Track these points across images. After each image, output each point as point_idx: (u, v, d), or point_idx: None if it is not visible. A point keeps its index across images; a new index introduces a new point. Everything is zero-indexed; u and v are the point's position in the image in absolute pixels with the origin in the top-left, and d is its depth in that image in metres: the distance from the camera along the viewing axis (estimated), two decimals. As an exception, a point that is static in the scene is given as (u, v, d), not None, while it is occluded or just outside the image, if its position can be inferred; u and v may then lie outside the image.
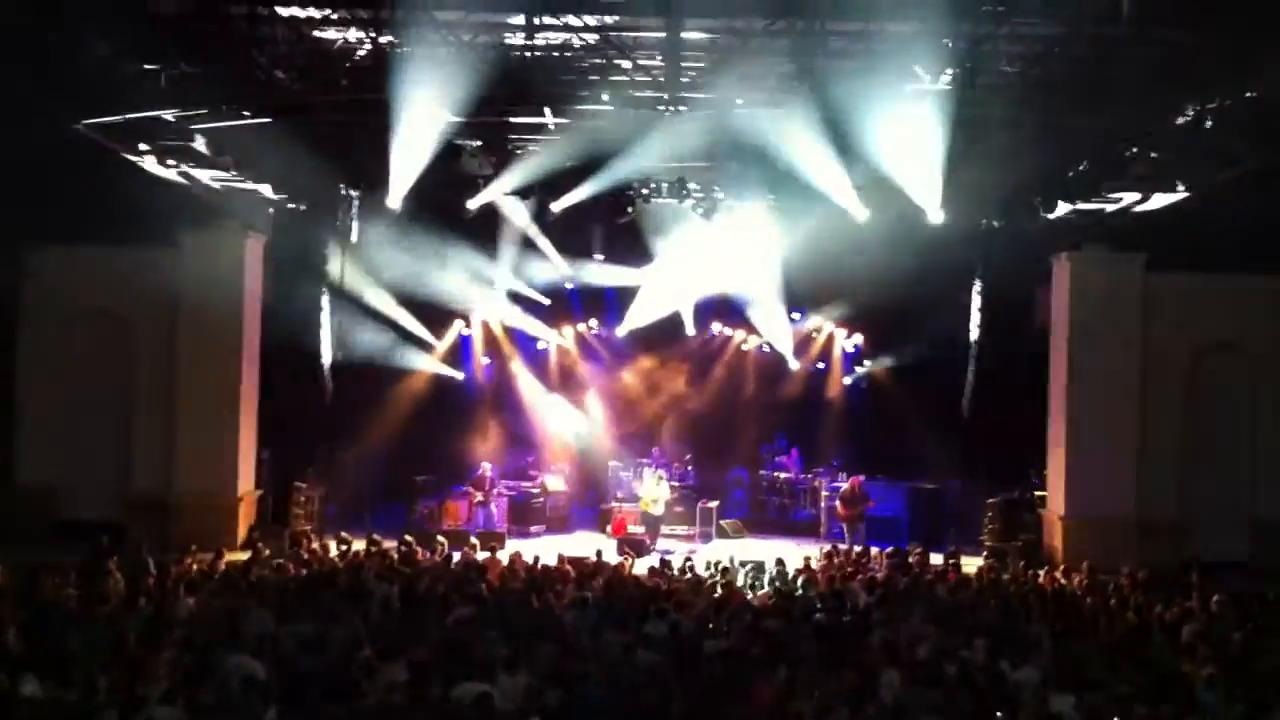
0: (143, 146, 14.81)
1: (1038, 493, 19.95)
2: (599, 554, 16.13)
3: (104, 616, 11.57)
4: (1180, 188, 15.89)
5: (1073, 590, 14.65)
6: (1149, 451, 18.66)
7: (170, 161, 15.22)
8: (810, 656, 10.57)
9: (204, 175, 16.06)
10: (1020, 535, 19.29)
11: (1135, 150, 15.22)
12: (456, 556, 15.84)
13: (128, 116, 14.07)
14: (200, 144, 14.80)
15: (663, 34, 13.44)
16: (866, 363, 23.59)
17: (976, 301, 20.10)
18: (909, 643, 11.06)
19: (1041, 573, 15.86)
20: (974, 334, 20.15)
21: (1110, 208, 16.98)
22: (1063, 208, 16.94)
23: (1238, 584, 13.77)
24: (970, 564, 16.79)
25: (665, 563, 15.83)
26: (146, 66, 13.34)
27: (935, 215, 16.56)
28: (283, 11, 13.15)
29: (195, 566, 14.34)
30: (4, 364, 18.92)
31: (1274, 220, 16.21)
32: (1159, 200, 16.24)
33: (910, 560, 16.22)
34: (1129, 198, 16.48)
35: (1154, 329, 18.77)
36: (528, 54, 13.89)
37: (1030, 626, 12.18)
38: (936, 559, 16.65)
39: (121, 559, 14.04)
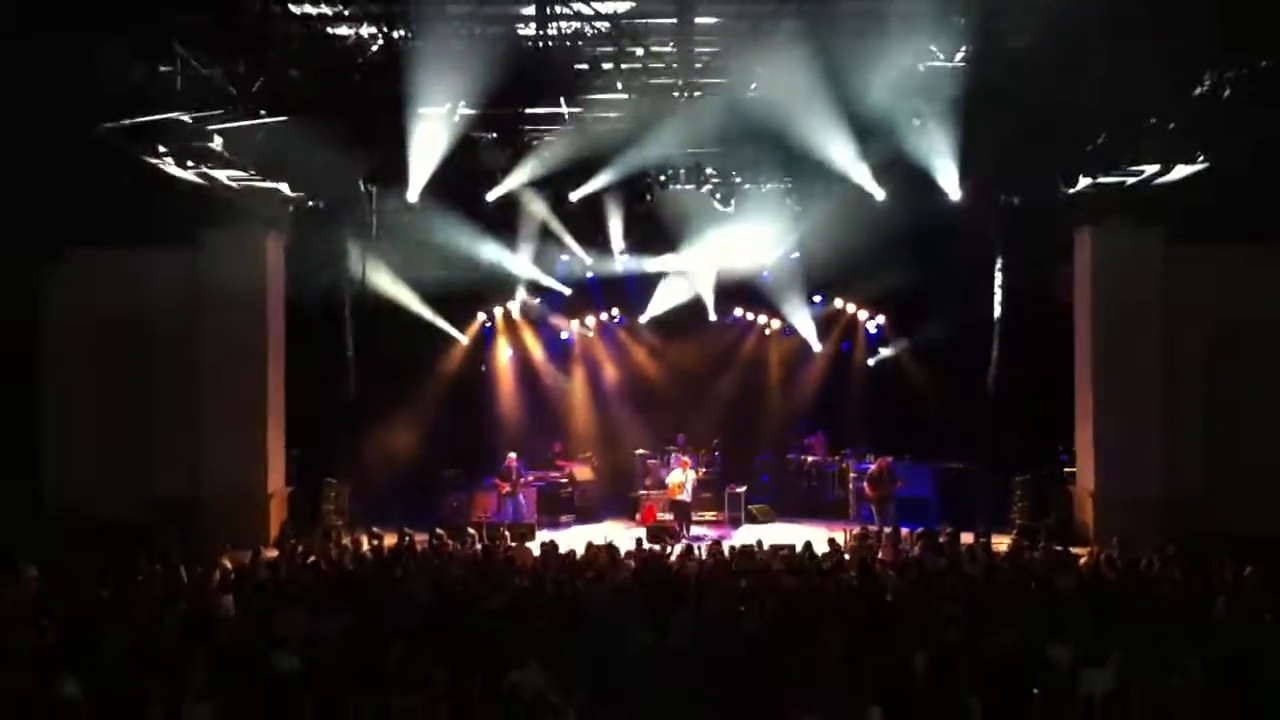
0: (161, 148, 14.88)
1: (1067, 469, 19.86)
2: (639, 542, 16.17)
3: (140, 617, 11.64)
4: (1200, 158, 15.76)
5: (1104, 566, 14.57)
6: (1177, 425, 18.48)
7: (189, 162, 15.27)
8: (842, 640, 10.55)
9: (222, 175, 16.09)
10: (1050, 513, 19.20)
11: (1154, 121, 15.11)
12: (487, 548, 15.92)
13: (145, 119, 14.13)
14: (218, 144, 14.85)
15: (674, 20, 13.44)
16: (890, 343, 23.57)
17: (999, 279, 20.00)
18: (942, 623, 11.04)
19: (1073, 550, 15.82)
20: (997, 311, 20.06)
21: (1131, 180, 16.84)
22: (1083, 181, 16.85)
23: (1268, 558, 13.62)
24: (1000, 543, 16.79)
25: (695, 549, 15.85)
26: (162, 69, 13.40)
27: (954, 193, 16.50)
28: (295, 9, 13.23)
29: (229, 564, 14.43)
30: (27, 368, 18.94)
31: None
32: (1180, 171, 16.10)
33: (940, 540, 16.19)
34: (1149, 169, 16.34)
35: (1178, 301, 18.51)
36: (540, 44, 13.91)
37: (1063, 604, 12.13)
38: (966, 538, 16.63)
39: (155, 559, 14.14)
